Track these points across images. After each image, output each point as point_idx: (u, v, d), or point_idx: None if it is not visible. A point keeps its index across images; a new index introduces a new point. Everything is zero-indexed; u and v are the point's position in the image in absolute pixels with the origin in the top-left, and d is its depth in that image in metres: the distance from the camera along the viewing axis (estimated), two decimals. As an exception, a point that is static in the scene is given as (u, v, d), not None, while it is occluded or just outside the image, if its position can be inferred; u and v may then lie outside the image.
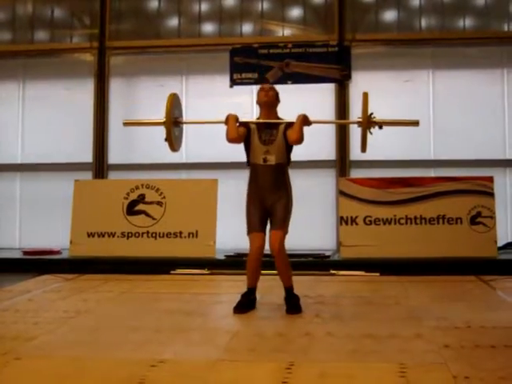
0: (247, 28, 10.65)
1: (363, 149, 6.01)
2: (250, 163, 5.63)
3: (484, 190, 8.45)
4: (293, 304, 5.49)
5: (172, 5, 10.78)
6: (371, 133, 5.86)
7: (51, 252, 9.32)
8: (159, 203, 8.88)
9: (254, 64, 9.88)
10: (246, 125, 5.64)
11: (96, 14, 10.81)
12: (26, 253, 9.38)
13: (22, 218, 10.76)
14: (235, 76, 10.12)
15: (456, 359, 3.86)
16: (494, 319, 5.10)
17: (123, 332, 4.78)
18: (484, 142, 9.95)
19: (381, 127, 5.87)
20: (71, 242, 8.90)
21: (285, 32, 10.58)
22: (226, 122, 5.67)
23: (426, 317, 5.21)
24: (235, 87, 10.19)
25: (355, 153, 10.05)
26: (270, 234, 5.51)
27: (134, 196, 8.95)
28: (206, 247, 8.57)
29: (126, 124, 6.87)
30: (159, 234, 8.78)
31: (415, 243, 8.32)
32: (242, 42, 10.40)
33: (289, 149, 5.58)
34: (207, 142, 10.29)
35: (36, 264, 8.68)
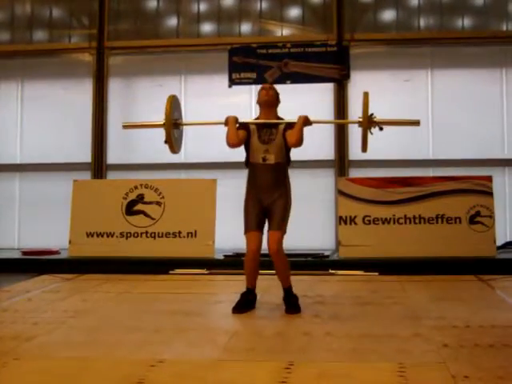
0: (246, 28, 10.66)
1: (364, 149, 6.00)
2: (249, 162, 5.62)
3: (483, 189, 8.45)
4: (292, 304, 5.48)
5: (171, 5, 10.78)
6: (372, 133, 5.84)
7: (50, 252, 9.32)
8: (158, 203, 8.87)
9: (253, 64, 9.89)
10: (245, 126, 5.64)
11: (95, 14, 10.81)
12: (24, 253, 9.37)
13: (20, 218, 10.76)
14: (234, 76, 10.12)
15: (455, 359, 3.87)
16: (492, 318, 5.10)
17: (122, 332, 4.78)
18: (483, 142, 9.97)
19: (381, 129, 5.82)
20: (70, 242, 8.90)
21: (283, 32, 10.59)
22: (226, 123, 5.65)
23: (425, 316, 5.21)
24: (234, 87, 10.19)
25: (354, 152, 10.07)
26: (268, 234, 5.48)
27: (132, 196, 8.95)
28: (205, 247, 8.57)
29: (125, 127, 6.86)
30: (158, 233, 8.78)
31: (414, 243, 8.33)
32: (241, 42, 10.40)
33: (288, 148, 5.59)
34: (206, 142, 10.29)
35: (35, 264, 8.67)
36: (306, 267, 8.13)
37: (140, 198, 8.91)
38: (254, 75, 9.83)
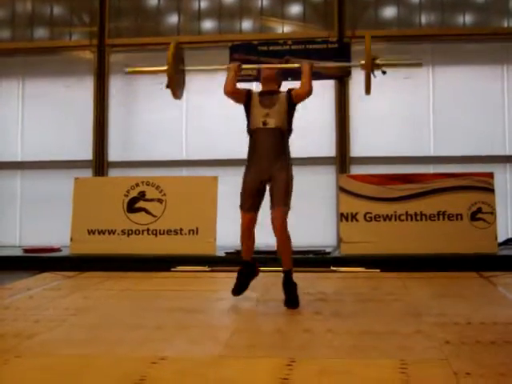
0: (247, 25, 10.65)
1: (367, 91, 6.00)
2: (249, 130, 5.63)
3: (484, 186, 8.45)
4: (291, 299, 5.43)
5: (171, 2, 10.77)
6: (375, 76, 5.83)
7: (51, 250, 9.33)
8: (159, 200, 8.88)
9: (254, 61, 9.86)
10: (248, 91, 5.72)
11: (95, 12, 10.80)
12: (26, 250, 9.38)
13: (22, 215, 10.77)
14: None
15: (457, 355, 3.87)
16: (494, 315, 5.09)
17: (124, 329, 4.78)
18: (484, 138, 9.95)
19: (384, 72, 5.89)
20: (71, 240, 8.91)
21: (284, 29, 10.58)
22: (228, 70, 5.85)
23: (427, 313, 5.21)
24: (235, 84, 10.17)
25: (355, 149, 10.07)
26: (271, 212, 5.45)
27: (134, 193, 8.95)
28: (207, 244, 8.58)
29: (129, 72, 6.90)
30: (159, 231, 8.78)
31: (415, 239, 8.33)
32: (242, 39, 10.40)
33: (290, 115, 5.58)
34: (207, 139, 10.31)
35: (36, 262, 8.68)
36: (308, 264, 8.12)
37: (141, 196, 8.92)
38: (254, 72, 9.80)
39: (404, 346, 4.14)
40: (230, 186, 8.99)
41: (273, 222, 5.42)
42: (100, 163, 10.56)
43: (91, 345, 4.32)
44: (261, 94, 5.67)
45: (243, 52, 10.12)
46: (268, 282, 6.14)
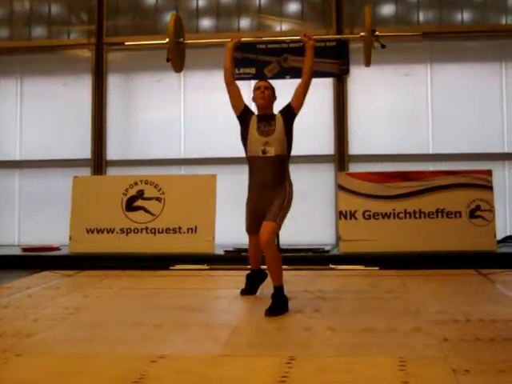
0: (245, 23, 10.64)
1: (367, 63, 6.05)
2: (248, 157, 5.57)
3: (483, 183, 8.45)
4: (271, 306, 5.21)
5: (169, 0, 10.76)
6: (374, 47, 5.88)
7: (50, 248, 9.33)
8: (158, 199, 8.87)
9: (252, 59, 9.85)
10: (247, 106, 5.68)
11: (93, 10, 10.78)
12: (25, 249, 9.38)
13: (20, 214, 10.75)
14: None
15: (456, 353, 3.87)
16: (493, 313, 5.10)
17: (123, 328, 4.78)
18: (483, 136, 9.95)
19: (383, 46, 5.96)
20: (70, 239, 8.90)
21: (282, 27, 10.57)
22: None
23: (426, 311, 5.22)
24: (233, 82, 10.16)
25: (354, 147, 10.07)
26: (262, 224, 5.36)
27: (132, 192, 8.94)
28: (205, 242, 8.57)
29: (127, 45, 6.92)
30: (158, 229, 8.78)
31: (414, 237, 8.33)
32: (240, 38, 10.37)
33: (289, 135, 5.51)
34: (206, 137, 10.30)
35: (35, 260, 8.68)
36: (307, 262, 8.14)
37: (140, 194, 8.91)
38: (253, 70, 9.78)
39: (403, 343, 4.15)
40: (228, 184, 9.04)
41: (260, 235, 5.31)
42: (98, 162, 10.55)
43: (90, 343, 4.33)
44: (258, 118, 5.54)
45: (241, 50, 10.09)
46: (268, 280, 6.13)
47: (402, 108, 10.20)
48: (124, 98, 10.82)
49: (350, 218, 8.55)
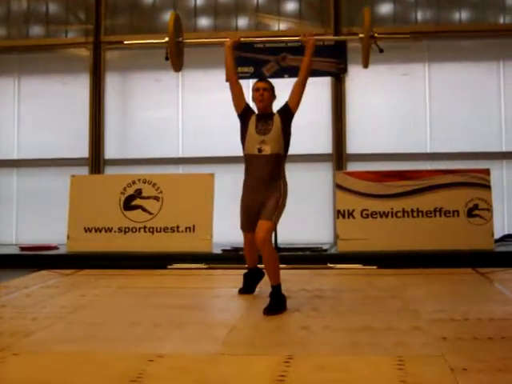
0: (242, 22, 10.63)
1: (365, 65, 6.11)
2: (245, 154, 5.59)
3: (481, 182, 8.46)
4: (270, 305, 5.23)
5: (167, -1, 10.77)
6: (372, 48, 5.95)
7: (48, 247, 9.32)
8: (156, 198, 8.87)
9: (250, 58, 9.84)
10: (248, 106, 5.68)
11: (91, 9, 10.77)
12: (23, 248, 9.37)
13: (18, 213, 10.74)
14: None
15: (453, 351, 3.88)
16: (491, 311, 5.11)
17: (121, 327, 4.78)
18: (480, 135, 9.96)
19: (381, 51, 6.02)
20: (68, 238, 8.90)
21: (280, 26, 10.57)
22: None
23: (424, 309, 5.22)
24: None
25: (352, 146, 10.07)
26: (258, 223, 5.36)
27: (130, 191, 8.94)
28: (203, 241, 8.57)
29: (126, 44, 6.89)
30: (156, 228, 8.78)
31: (412, 236, 8.34)
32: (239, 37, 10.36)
33: (286, 134, 5.52)
34: (204, 136, 10.30)
35: (33, 260, 8.67)
36: (305, 261, 8.14)
37: (138, 193, 8.91)
38: (251, 69, 9.77)
39: (401, 342, 4.15)
40: (226, 183, 9.03)
41: (256, 234, 5.34)
42: (96, 161, 10.54)
43: (89, 342, 4.33)
44: (257, 117, 5.56)
45: (239, 49, 10.09)
46: (266, 279, 6.13)
47: (400, 107, 10.20)
48: (122, 97, 10.82)
49: (348, 217, 8.55)
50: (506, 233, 9.49)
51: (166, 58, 6.11)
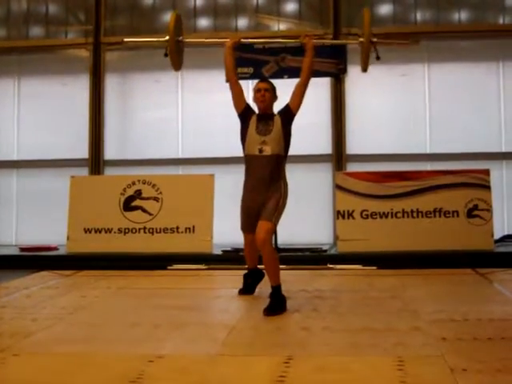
0: (242, 23, 10.64)
1: (364, 68, 6.17)
2: (245, 155, 5.58)
3: (481, 182, 8.46)
4: (270, 305, 5.22)
5: (167, 0, 10.75)
6: (371, 51, 6.03)
7: (48, 248, 9.32)
8: (156, 199, 8.87)
9: (250, 59, 9.84)
10: (249, 105, 5.68)
11: (91, 10, 10.78)
12: (22, 249, 9.37)
13: (18, 214, 10.75)
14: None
15: (453, 352, 3.88)
16: (490, 312, 5.11)
17: (121, 328, 4.78)
18: (480, 135, 9.96)
19: (378, 58, 6.11)
20: (68, 239, 8.90)
21: (280, 26, 10.57)
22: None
23: (423, 310, 5.22)
24: (231, 82, 10.16)
25: (351, 147, 10.08)
26: (258, 224, 5.37)
27: (130, 192, 8.94)
28: (203, 242, 8.57)
29: (125, 42, 6.88)
30: (156, 229, 8.78)
31: (412, 237, 8.34)
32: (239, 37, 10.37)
33: (287, 135, 5.53)
34: (204, 137, 10.30)
35: (33, 260, 8.68)
36: (304, 262, 8.14)
37: (138, 194, 8.91)
38: (251, 70, 9.76)
39: (401, 342, 4.15)
40: (226, 184, 9.03)
41: (256, 234, 5.35)
42: (96, 162, 10.55)
43: (89, 343, 4.32)
44: (258, 118, 5.56)
45: (239, 50, 10.08)
46: (266, 279, 6.13)
47: (400, 108, 10.21)
48: (122, 98, 10.82)
49: (348, 218, 8.55)
50: (506, 233, 9.49)
51: (165, 55, 6.11)
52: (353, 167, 9.97)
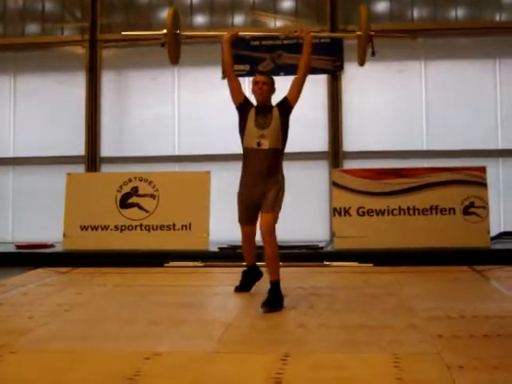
0: (239, 20, 10.62)
1: (361, 63, 6.21)
2: (243, 147, 5.59)
3: (477, 180, 8.46)
4: (268, 300, 5.23)
5: (163, -3, 10.75)
6: (368, 46, 6.05)
7: (45, 245, 9.30)
8: (152, 196, 8.87)
9: (246, 56, 9.83)
10: (247, 98, 5.69)
11: (87, 7, 10.75)
12: (19, 246, 9.35)
13: (14, 211, 10.73)
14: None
15: (449, 349, 3.88)
16: (487, 309, 5.12)
17: (117, 325, 4.78)
18: (477, 132, 9.97)
19: (373, 54, 6.13)
20: (64, 236, 8.89)
21: (277, 23, 10.56)
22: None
23: (420, 307, 5.22)
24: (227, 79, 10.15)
25: (348, 144, 10.08)
26: (260, 217, 5.45)
27: (127, 189, 8.93)
28: (200, 239, 8.57)
29: (124, 35, 6.87)
30: (152, 226, 8.77)
31: (408, 234, 8.34)
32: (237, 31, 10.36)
33: (285, 128, 5.55)
34: (200, 134, 10.30)
35: (29, 258, 8.66)
36: (301, 259, 8.14)
37: (134, 191, 8.90)
38: (247, 67, 9.76)
39: (397, 340, 4.16)
40: (222, 181, 9.03)
41: (260, 227, 5.41)
42: (92, 159, 10.54)
43: (85, 340, 4.32)
44: (256, 111, 5.57)
45: (235, 47, 10.06)
46: (264, 277, 6.14)
47: (396, 105, 10.22)
48: (118, 95, 10.81)
49: (344, 215, 8.56)
50: (502, 230, 9.50)
51: (162, 45, 6.09)
52: (349, 164, 9.98)
